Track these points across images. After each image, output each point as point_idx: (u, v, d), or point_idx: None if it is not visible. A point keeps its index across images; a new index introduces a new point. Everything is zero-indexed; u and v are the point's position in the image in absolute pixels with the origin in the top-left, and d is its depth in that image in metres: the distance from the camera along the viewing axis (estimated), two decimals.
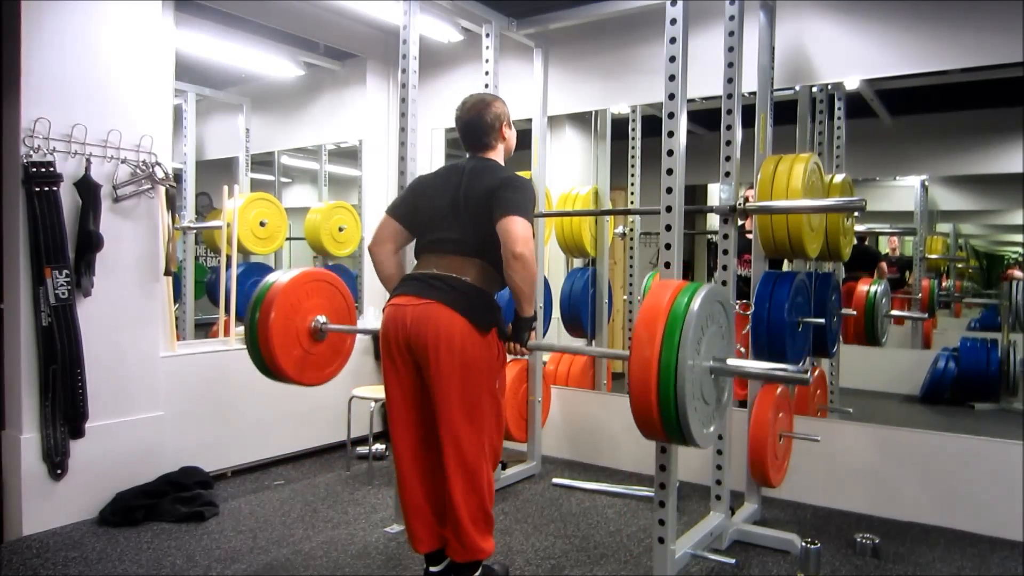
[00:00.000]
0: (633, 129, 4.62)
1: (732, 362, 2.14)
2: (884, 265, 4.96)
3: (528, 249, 2.21)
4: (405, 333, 2.28)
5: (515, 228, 2.21)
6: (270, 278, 2.83)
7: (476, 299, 2.30)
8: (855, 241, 3.68)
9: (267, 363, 2.78)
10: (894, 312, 4.28)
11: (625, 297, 4.86)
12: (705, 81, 3.29)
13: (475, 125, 2.47)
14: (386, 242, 2.55)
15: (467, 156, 2.54)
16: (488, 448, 2.35)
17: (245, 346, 2.82)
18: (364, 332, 2.82)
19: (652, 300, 2.01)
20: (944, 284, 4.92)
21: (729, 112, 2.94)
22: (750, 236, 3.23)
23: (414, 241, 2.56)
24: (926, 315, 4.67)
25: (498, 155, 2.52)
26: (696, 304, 1.95)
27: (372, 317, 4.68)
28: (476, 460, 2.29)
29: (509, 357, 2.50)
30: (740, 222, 2.97)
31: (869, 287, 3.95)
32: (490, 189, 2.31)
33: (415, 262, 2.48)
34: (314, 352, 2.89)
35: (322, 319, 2.88)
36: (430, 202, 2.46)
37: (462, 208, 2.36)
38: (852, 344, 4.11)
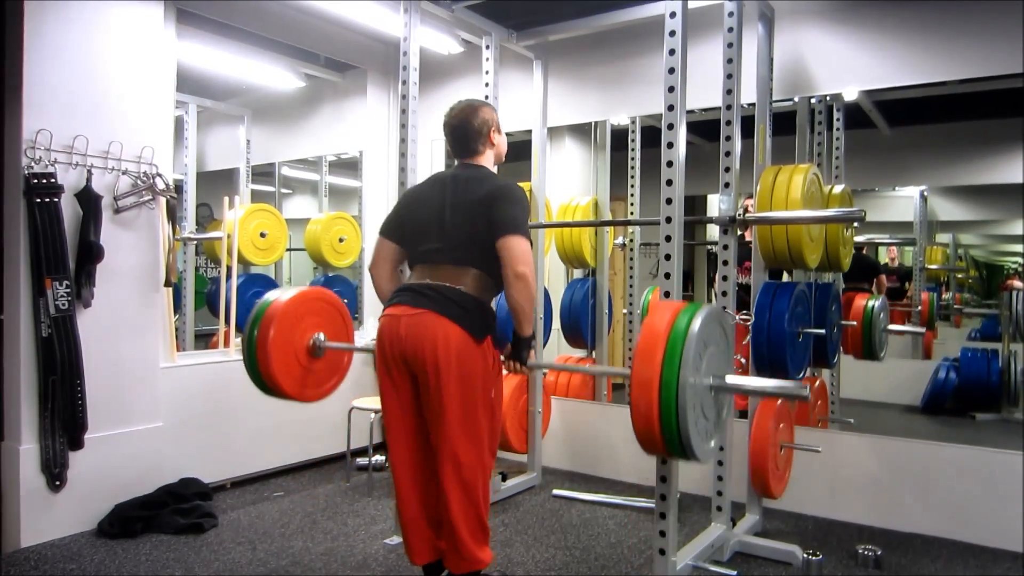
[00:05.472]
0: (633, 140, 4.63)
1: (731, 379, 2.15)
2: (883, 278, 4.96)
3: (529, 268, 2.22)
4: (400, 343, 2.28)
5: (517, 248, 2.21)
6: (269, 296, 2.84)
7: (471, 307, 2.29)
8: (853, 251, 3.68)
9: (265, 379, 2.77)
10: (892, 327, 4.27)
11: (625, 311, 4.86)
12: (704, 92, 3.30)
13: (463, 130, 2.45)
14: (383, 263, 2.54)
15: (455, 164, 2.52)
16: (486, 459, 2.34)
17: (243, 362, 2.82)
18: (361, 350, 2.83)
19: (653, 321, 2.02)
20: (944, 296, 4.92)
21: (728, 123, 2.95)
22: (750, 240, 3.23)
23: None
24: (924, 330, 4.66)
25: (487, 161, 2.50)
26: (696, 324, 1.97)
27: (373, 328, 4.67)
28: (473, 472, 2.28)
29: (505, 370, 2.48)
30: (740, 232, 2.97)
31: (867, 301, 3.93)
32: (484, 199, 2.30)
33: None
34: (313, 369, 2.90)
35: (320, 336, 2.89)
36: (419, 212, 2.44)
37: (452, 217, 2.34)
38: (852, 354, 4.09)
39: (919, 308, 4.76)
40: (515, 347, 2.40)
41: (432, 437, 2.30)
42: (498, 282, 2.33)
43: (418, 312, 2.26)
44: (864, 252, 5.03)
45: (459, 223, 2.33)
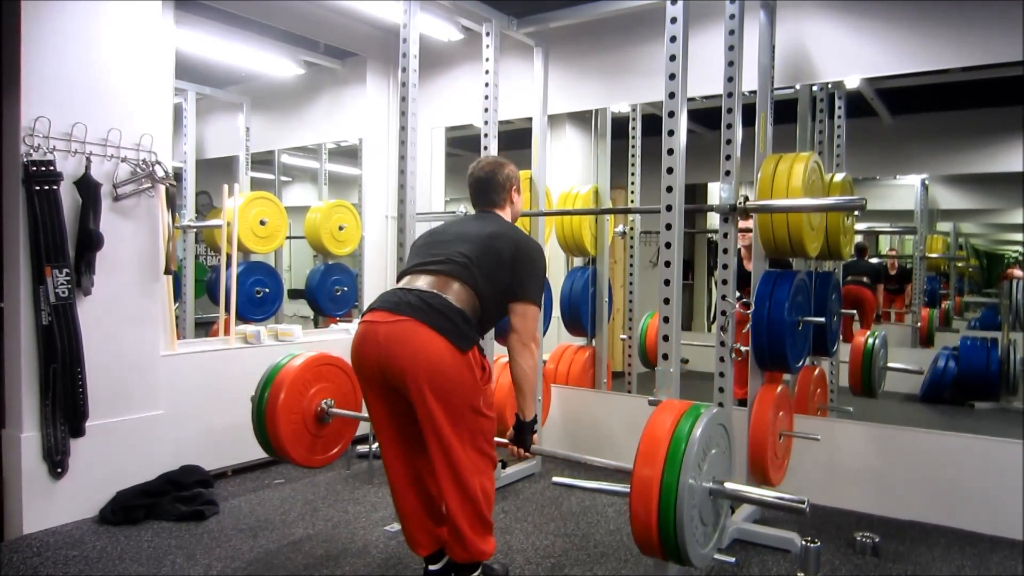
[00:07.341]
0: (633, 128, 4.62)
1: (730, 486, 2.15)
2: (881, 287, 5.00)
3: (537, 340, 2.33)
4: (377, 352, 2.17)
5: (531, 320, 2.30)
6: (281, 360, 2.92)
7: (455, 318, 2.17)
8: (854, 255, 3.67)
9: (273, 445, 2.87)
10: (892, 365, 4.29)
11: (623, 336, 4.83)
12: (705, 80, 3.29)
13: (486, 182, 2.50)
14: None
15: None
16: (481, 460, 2.28)
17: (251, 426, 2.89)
18: (367, 419, 2.77)
19: (655, 425, 2.05)
20: (944, 305, 4.93)
21: (729, 111, 2.93)
22: (750, 269, 3.24)
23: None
24: (921, 370, 4.68)
25: (505, 215, 2.53)
26: (698, 430, 2.00)
27: None
28: (468, 472, 2.22)
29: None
30: (740, 244, 2.95)
31: (867, 339, 3.94)
32: (508, 245, 2.30)
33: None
34: (321, 435, 2.98)
35: (329, 402, 2.93)
36: (424, 240, 2.48)
37: (462, 242, 2.32)
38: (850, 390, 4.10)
39: (918, 325, 4.78)
40: (518, 431, 2.41)
41: (423, 438, 2.24)
42: (484, 306, 2.28)
43: (398, 320, 2.15)
44: (865, 258, 5.07)
45: (463, 244, 2.31)
